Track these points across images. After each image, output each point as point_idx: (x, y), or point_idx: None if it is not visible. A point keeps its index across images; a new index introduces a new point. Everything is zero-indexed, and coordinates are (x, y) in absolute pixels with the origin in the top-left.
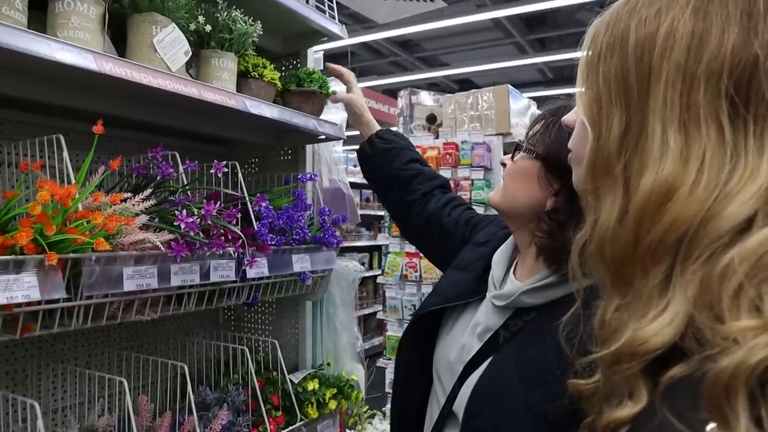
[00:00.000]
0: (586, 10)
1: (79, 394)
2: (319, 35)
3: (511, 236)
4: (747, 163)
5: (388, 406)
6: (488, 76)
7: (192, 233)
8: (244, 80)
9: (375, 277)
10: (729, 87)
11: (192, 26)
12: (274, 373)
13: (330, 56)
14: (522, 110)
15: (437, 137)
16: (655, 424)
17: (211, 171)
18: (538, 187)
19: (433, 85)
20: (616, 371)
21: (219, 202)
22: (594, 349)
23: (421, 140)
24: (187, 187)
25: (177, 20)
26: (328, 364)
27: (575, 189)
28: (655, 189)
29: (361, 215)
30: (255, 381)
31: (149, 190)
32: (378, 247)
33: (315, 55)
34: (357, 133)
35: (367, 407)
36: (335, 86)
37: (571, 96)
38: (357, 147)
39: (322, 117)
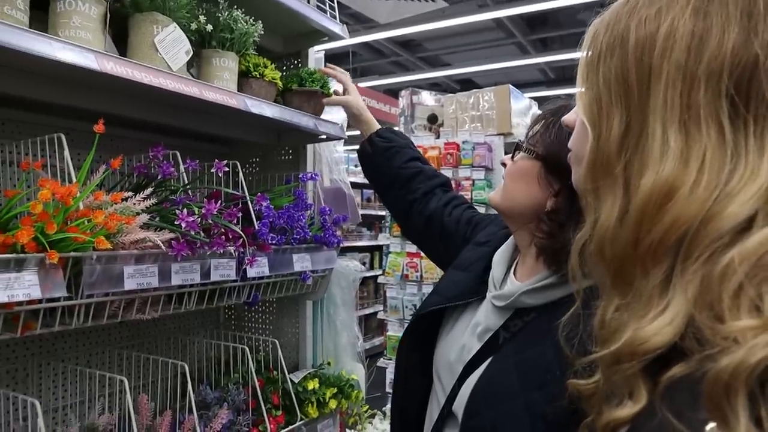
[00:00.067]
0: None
1: (79, 392)
2: (320, 35)
3: (512, 236)
4: (747, 163)
5: (389, 405)
6: (490, 76)
7: (193, 232)
8: (245, 80)
9: (376, 277)
10: (729, 87)
11: (193, 26)
12: (275, 372)
13: (331, 56)
14: (523, 110)
15: (438, 137)
16: (654, 424)
17: (212, 170)
18: (538, 187)
19: (434, 85)
20: (616, 371)
21: (220, 202)
22: (594, 349)
23: (423, 140)
24: (187, 187)
25: (178, 20)
26: (329, 363)
27: (575, 189)
28: (655, 189)
29: (362, 215)
30: (255, 380)
31: (150, 189)
32: (379, 247)
33: (316, 55)
34: (358, 132)
35: (368, 407)
36: (337, 86)
37: (572, 96)
38: (358, 147)
39: (322, 117)
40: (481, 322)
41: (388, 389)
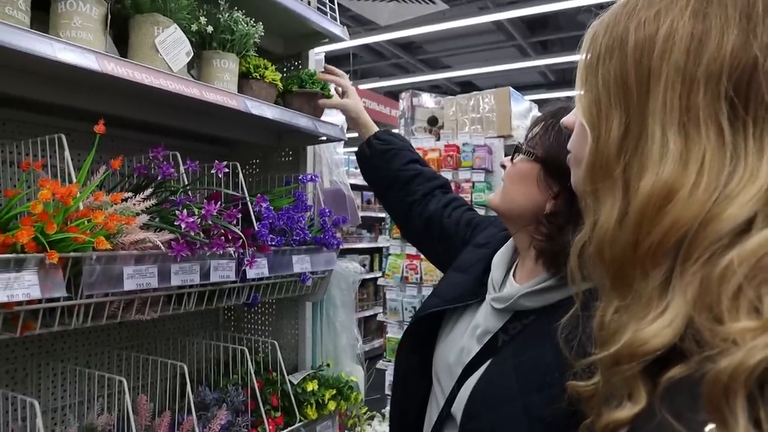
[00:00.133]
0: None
1: (78, 393)
2: (320, 36)
3: (511, 238)
4: (747, 164)
5: (388, 407)
6: (490, 79)
7: (192, 233)
8: (245, 81)
9: (376, 279)
10: (728, 89)
11: (194, 27)
12: (274, 373)
13: (332, 58)
14: (523, 113)
15: (438, 139)
16: (654, 425)
17: (212, 171)
18: (538, 189)
19: (434, 88)
20: (615, 372)
21: (219, 203)
22: (593, 350)
23: (423, 142)
24: (187, 188)
25: (179, 21)
26: (328, 365)
27: (574, 191)
28: (654, 191)
29: (362, 217)
30: (254, 381)
31: (150, 190)
32: (379, 249)
33: (316, 57)
34: (359, 135)
35: (367, 409)
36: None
37: (572, 99)
38: (357, 149)
39: (323, 118)
40: (480, 324)
41: (388, 391)
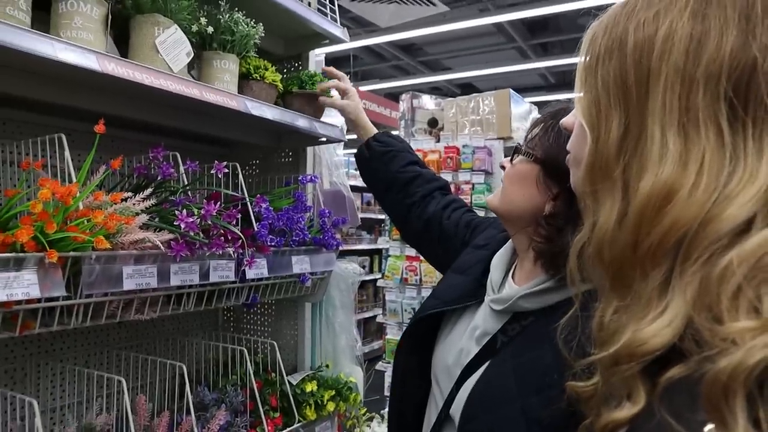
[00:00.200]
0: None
1: (77, 392)
2: (321, 38)
3: (510, 240)
4: (746, 165)
5: (387, 409)
6: (490, 81)
7: (192, 233)
8: (245, 82)
9: (375, 280)
10: (728, 89)
11: (194, 28)
12: (273, 374)
13: (332, 59)
14: (523, 115)
15: (438, 141)
16: (653, 425)
17: (212, 172)
18: (537, 190)
19: (435, 89)
20: (614, 373)
21: (219, 203)
22: (593, 351)
23: (423, 144)
24: (187, 188)
25: (179, 21)
26: (327, 366)
27: (574, 192)
28: (654, 192)
29: (361, 218)
30: (253, 382)
31: (150, 190)
32: (378, 251)
33: (317, 58)
34: (358, 137)
35: (365, 410)
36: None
37: (572, 101)
38: (356, 151)
39: (323, 119)
40: (479, 325)
41: (387, 393)
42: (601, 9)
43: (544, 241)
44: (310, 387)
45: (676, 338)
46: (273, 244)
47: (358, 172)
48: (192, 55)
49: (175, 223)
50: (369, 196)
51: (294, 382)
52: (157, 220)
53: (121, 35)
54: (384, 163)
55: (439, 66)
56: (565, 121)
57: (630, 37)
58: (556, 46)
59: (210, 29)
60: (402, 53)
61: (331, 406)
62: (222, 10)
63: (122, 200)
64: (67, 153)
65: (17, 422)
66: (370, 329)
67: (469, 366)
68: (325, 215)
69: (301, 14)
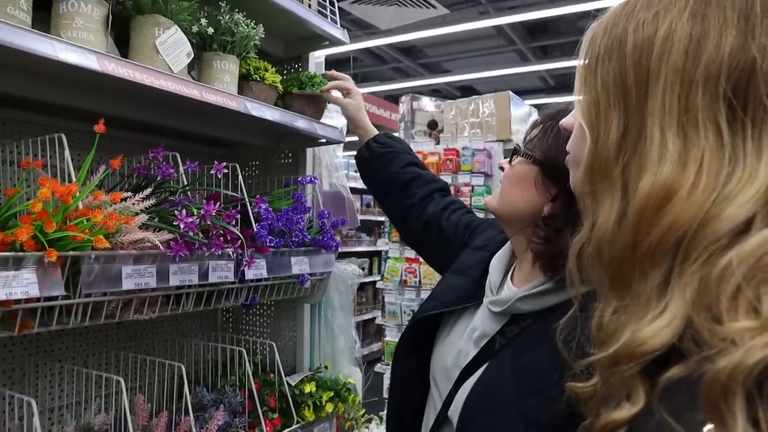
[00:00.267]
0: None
1: (76, 393)
2: (321, 39)
3: (509, 241)
4: (745, 165)
5: (386, 411)
6: (490, 83)
7: (191, 233)
8: (245, 83)
9: (374, 282)
10: (727, 90)
11: (194, 28)
12: (272, 375)
13: (332, 62)
14: (523, 117)
15: (438, 143)
16: (652, 425)
17: (211, 172)
18: (536, 192)
19: (435, 92)
20: (613, 373)
21: (219, 203)
22: (592, 351)
23: (422, 146)
24: (187, 188)
25: (179, 22)
26: (326, 367)
27: (573, 192)
28: (653, 192)
29: (361, 220)
30: (252, 383)
31: (149, 190)
32: (378, 253)
33: (316, 60)
34: (359, 138)
35: (364, 411)
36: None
37: (571, 103)
38: (356, 153)
39: (322, 121)
40: (477, 327)
41: (386, 394)
42: (600, 12)
43: (542, 242)
44: (309, 388)
45: (676, 338)
46: (272, 244)
47: (357, 174)
48: (192, 55)
49: (174, 223)
50: (368, 198)
51: (293, 383)
52: (156, 220)
53: (121, 36)
54: (383, 164)
55: (438, 68)
56: (565, 121)
57: (629, 37)
58: (555, 49)
59: (210, 30)
60: (402, 55)
61: (329, 408)
62: (222, 11)
63: (122, 200)
64: (67, 153)
65: (15, 422)
66: (369, 331)
67: (467, 368)
68: (325, 216)
69: (301, 16)
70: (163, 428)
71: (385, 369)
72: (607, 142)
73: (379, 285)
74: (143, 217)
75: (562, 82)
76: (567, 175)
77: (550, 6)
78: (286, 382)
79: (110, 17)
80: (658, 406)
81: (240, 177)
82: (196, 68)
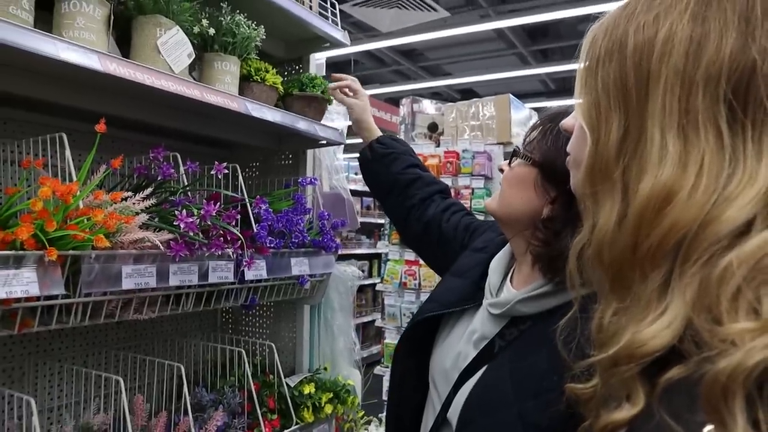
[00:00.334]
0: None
1: (75, 392)
2: (321, 41)
3: (509, 243)
4: (746, 167)
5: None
6: (491, 87)
7: (191, 233)
8: (246, 84)
9: (374, 284)
10: (727, 92)
11: (196, 29)
12: (271, 376)
13: (333, 64)
14: (523, 120)
15: (438, 145)
16: (652, 426)
17: (212, 172)
18: (535, 194)
19: (435, 95)
20: (613, 374)
21: (219, 204)
22: (592, 352)
23: (423, 148)
24: (187, 188)
25: (181, 23)
26: (325, 368)
27: (573, 193)
28: (654, 193)
29: (361, 223)
30: (251, 384)
31: (149, 190)
32: (378, 255)
33: (317, 62)
34: (359, 141)
35: (363, 413)
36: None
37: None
38: (359, 154)
39: (323, 122)
40: (477, 329)
41: (385, 397)
42: (601, 15)
43: (541, 244)
44: (308, 389)
45: (676, 339)
46: (272, 245)
47: (357, 177)
48: (193, 56)
49: (174, 223)
50: (369, 200)
51: (292, 384)
52: (156, 220)
53: (123, 36)
54: (385, 165)
55: (439, 71)
56: (565, 122)
57: (630, 39)
58: (556, 53)
59: (211, 31)
60: (403, 58)
61: (328, 409)
62: (223, 12)
63: (122, 200)
64: (67, 152)
65: (15, 421)
66: (368, 334)
67: (466, 370)
68: (325, 218)
69: (302, 17)
70: (162, 428)
71: (384, 371)
72: (607, 144)
73: (378, 287)
74: (143, 217)
75: (563, 86)
76: (566, 177)
77: (551, 9)
78: (286, 383)
79: (112, 17)
80: (658, 407)
81: (240, 178)
82: (197, 69)
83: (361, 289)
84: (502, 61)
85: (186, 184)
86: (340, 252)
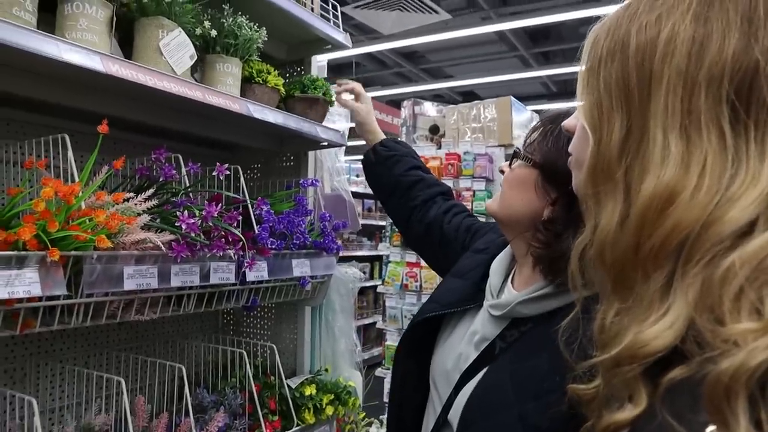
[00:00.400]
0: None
1: (76, 393)
2: (323, 43)
3: (509, 244)
4: (748, 168)
5: (386, 414)
6: (492, 89)
7: (193, 234)
8: (248, 85)
9: (375, 286)
10: (730, 92)
11: (198, 31)
12: (272, 377)
13: (335, 66)
14: (525, 122)
15: (440, 148)
16: (654, 427)
17: (213, 174)
18: (535, 195)
19: (437, 97)
20: (616, 374)
21: (220, 205)
22: (594, 353)
23: (424, 150)
24: (189, 189)
25: (183, 25)
26: (326, 370)
27: (575, 193)
28: (656, 194)
29: (362, 225)
30: (252, 385)
31: (151, 191)
32: (379, 257)
33: (319, 64)
34: (361, 143)
35: (364, 414)
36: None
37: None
38: (360, 157)
39: (324, 124)
40: (477, 330)
41: (386, 399)
42: (602, 17)
43: (542, 246)
44: (309, 391)
45: (678, 340)
46: (273, 246)
47: (359, 179)
48: (195, 58)
49: (176, 224)
50: (370, 202)
51: (293, 386)
52: (158, 221)
53: (125, 37)
54: (388, 168)
55: (440, 73)
56: (567, 123)
57: (632, 39)
58: (557, 55)
59: (213, 33)
60: (404, 60)
61: (329, 410)
62: (225, 14)
63: (124, 200)
64: (70, 153)
65: (16, 421)
66: (370, 336)
67: (467, 371)
68: (326, 219)
69: (303, 19)
70: (164, 429)
71: (385, 373)
72: (609, 144)
73: (380, 289)
74: (145, 218)
75: (564, 88)
76: (567, 178)
77: (552, 12)
78: (287, 384)
79: (114, 19)
80: (660, 407)
81: (242, 179)
82: (199, 70)
83: (363, 291)
84: (503, 63)
85: (188, 185)
86: (341, 254)
